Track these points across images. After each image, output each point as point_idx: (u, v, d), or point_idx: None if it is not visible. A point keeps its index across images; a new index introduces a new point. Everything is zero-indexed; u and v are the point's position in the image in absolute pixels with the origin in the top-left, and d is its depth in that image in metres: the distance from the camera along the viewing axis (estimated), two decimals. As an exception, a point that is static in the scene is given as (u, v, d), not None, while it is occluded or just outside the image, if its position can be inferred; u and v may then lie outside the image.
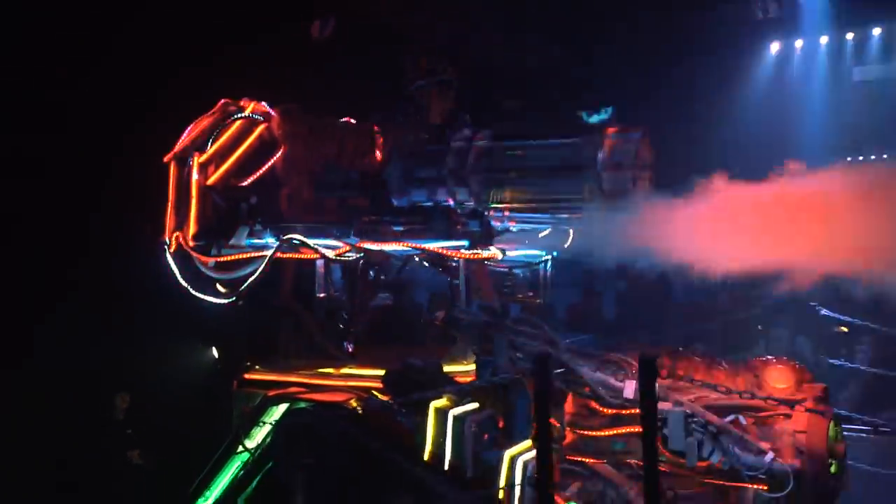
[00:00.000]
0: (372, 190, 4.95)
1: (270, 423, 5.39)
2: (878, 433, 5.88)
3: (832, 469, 3.94)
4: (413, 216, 4.89)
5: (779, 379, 4.07)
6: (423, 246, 4.80)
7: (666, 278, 9.92)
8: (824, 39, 12.37)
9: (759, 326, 9.27)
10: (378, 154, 5.85)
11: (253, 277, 5.23)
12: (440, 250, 4.78)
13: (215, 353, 6.24)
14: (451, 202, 4.72)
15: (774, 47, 12.77)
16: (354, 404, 5.18)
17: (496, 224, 4.86)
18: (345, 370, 5.59)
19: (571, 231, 5.70)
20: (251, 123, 5.62)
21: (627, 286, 10.76)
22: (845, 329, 8.22)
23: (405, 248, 4.90)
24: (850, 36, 12.23)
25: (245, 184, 5.50)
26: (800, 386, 4.06)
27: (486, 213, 4.81)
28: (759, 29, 12.03)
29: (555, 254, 5.98)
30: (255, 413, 5.47)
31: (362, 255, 5.10)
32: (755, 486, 3.89)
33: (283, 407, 5.39)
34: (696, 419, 3.95)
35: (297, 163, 5.75)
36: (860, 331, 8.11)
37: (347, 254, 5.07)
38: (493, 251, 4.89)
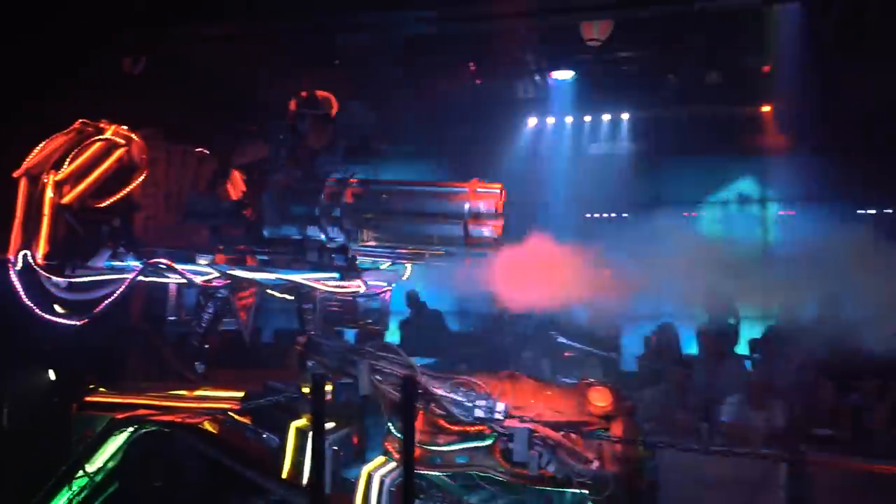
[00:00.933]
0: (247, 221, 5.07)
1: (117, 446, 5.22)
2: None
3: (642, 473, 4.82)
4: (285, 248, 5.09)
5: (599, 398, 4.80)
6: (293, 277, 5.03)
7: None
8: (569, 119, 14.86)
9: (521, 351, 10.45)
10: (229, 186, 5.98)
11: (111, 299, 5.12)
12: (309, 282, 5.03)
13: (52, 375, 5.86)
14: (323, 237, 4.97)
15: (532, 122, 15.14)
16: (209, 425, 5.21)
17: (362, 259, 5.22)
18: (198, 392, 5.53)
19: (409, 265, 6.18)
20: (111, 146, 5.50)
21: (411, 314, 11.64)
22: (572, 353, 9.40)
23: (276, 279, 5.10)
24: (587, 118, 14.80)
25: (104, 206, 5.36)
26: (616, 404, 4.86)
27: (351, 249, 5.14)
28: (521, 106, 14.52)
29: (393, 285, 6.39)
30: (100, 436, 5.23)
31: (230, 282, 5.21)
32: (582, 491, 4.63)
33: (131, 429, 5.13)
34: (537, 434, 4.62)
35: (155, 187, 5.71)
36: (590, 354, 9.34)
37: (216, 280, 5.15)
38: (358, 284, 5.26)
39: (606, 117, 14.59)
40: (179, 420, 5.19)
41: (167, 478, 5.03)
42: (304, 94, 5.46)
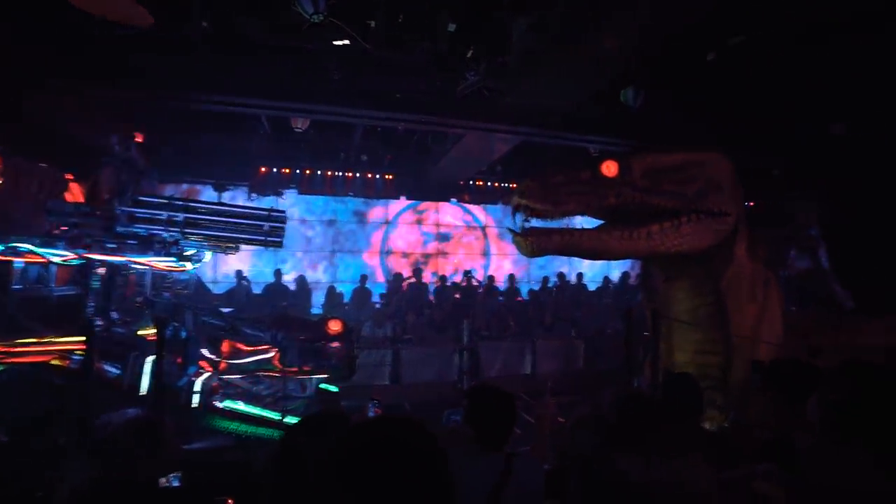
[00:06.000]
0: (102, 221, 4.36)
1: (-32, 384, 4.05)
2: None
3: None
4: (132, 240, 4.51)
5: (335, 325, 5.29)
6: (142, 260, 4.51)
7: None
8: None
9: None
10: (67, 195, 5.01)
11: (-31, 273, 3.98)
12: (155, 264, 4.56)
13: None
14: (164, 235, 4.55)
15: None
16: (57, 361, 4.36)
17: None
18: (46, 339, 4.55)
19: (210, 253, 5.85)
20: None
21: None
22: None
23: (125, 261, 4.49)
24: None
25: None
26: (344, 328, 5.34)
27: (182, 243, 4.79)
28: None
29: (198, 265, 5.96)
30: (-49, 378, 4.02)
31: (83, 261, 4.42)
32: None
33: (-16, 370, 4.09)
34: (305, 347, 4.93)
35: (7, 191, 4.51)
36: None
37: (73, 261, 4.33)
38: (185, 265, 4.91)
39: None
40: (30, 360, 4.27)
41: (23, 400, 4.09)
42: (137, 138, 4.88)
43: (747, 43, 5.76)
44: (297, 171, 10.72)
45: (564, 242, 3.40)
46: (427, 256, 12.15)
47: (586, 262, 11.69)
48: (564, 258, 12.51)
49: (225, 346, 5.11)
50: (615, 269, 11.97)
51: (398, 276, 10.95)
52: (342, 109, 6.82)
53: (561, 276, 11.32)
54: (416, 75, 6.56)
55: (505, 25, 6.04)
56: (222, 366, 5.09)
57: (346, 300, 10.27)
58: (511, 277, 11.19)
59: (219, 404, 4.56)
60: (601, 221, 3.85)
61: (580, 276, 11.46)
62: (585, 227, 3.67)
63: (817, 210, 6.70)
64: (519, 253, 3.62)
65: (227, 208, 4.88)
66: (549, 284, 11.09)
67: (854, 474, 1.06)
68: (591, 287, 11.52)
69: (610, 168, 3.43)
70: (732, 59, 6.06)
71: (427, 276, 11.32)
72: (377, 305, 10.20)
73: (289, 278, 10.39)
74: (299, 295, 9.99)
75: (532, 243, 3.39)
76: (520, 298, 10.77)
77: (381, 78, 6.72)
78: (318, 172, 10.84)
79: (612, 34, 5.22)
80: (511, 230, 3.54)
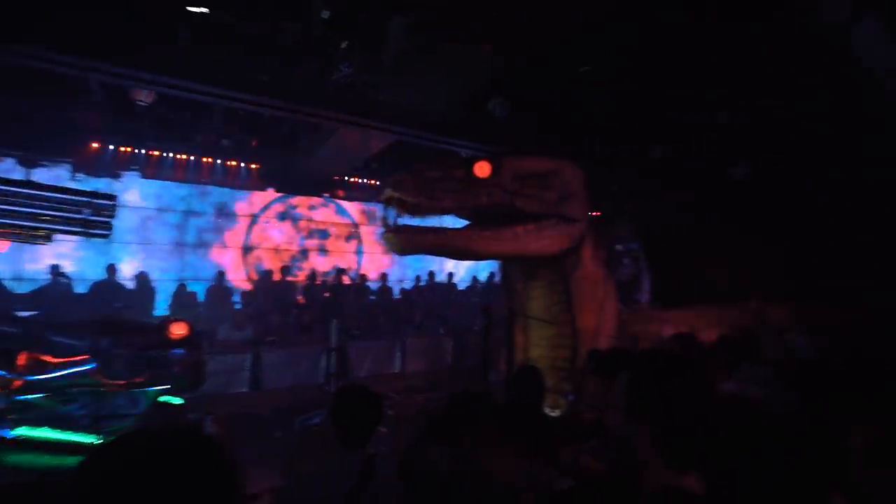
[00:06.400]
0: None
1: None
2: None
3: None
4: None
5: (180, 327, 4.61)
6: None
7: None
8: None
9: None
10: None
11: None
12: None
13: None
14: None
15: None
16: None
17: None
18: None
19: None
20: None
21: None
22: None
23: None
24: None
25: None
26: (188, 331, 4.68)
27: None
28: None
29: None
30: None
31: None
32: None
33: None
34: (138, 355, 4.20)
35: None
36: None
37: None
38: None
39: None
40: None
41: None
42: None
43: (594, 72, 6.49)
44: (141, 152, 9.21)
45: (438, 241, 3.37)
46: (297, 253, 11.44)
47: (451, 261, 12.12)
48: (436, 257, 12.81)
49: (21, 359, 4.17)
50: (483, 270, 12.60)
51: (265, 274, 10.11)
52: (195, 85, 6.00)
53: (431, 274, 11.56)
54: (286, 59, 6.07)
55: (380, 22, 5.92)
56: (16, 384, 4.15)
57: (200, 300, 9.15)
58: (383, 276, 11.09)
59: (9, 434, 3.66)
60: (466, 222, 3.94)
61: (451, 275, 11.83)
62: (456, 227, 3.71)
63: (635, 225, 7.87)
64: (389, 250, 3.51)
65: (28, 190, 3.92)
66: (421, 283, 11.24)
67: (636, 450, 1.20)
68: (461, 287, 11.96)
69: (483, 168, 3.50)
70: (583, 83, 6.79)
71: (295, 275, 10.65)
72: (237, 306, 9.27)
73: (130, 275, 8.90)
74: (140, 294, 8.60)
75: (404, 241, 3.30)
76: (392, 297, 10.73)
77: (246, 57, 6.09)
78: (169, 155, 9.45)
79: (483, 43, 5.44)
80: (384, 227, 3.41)
